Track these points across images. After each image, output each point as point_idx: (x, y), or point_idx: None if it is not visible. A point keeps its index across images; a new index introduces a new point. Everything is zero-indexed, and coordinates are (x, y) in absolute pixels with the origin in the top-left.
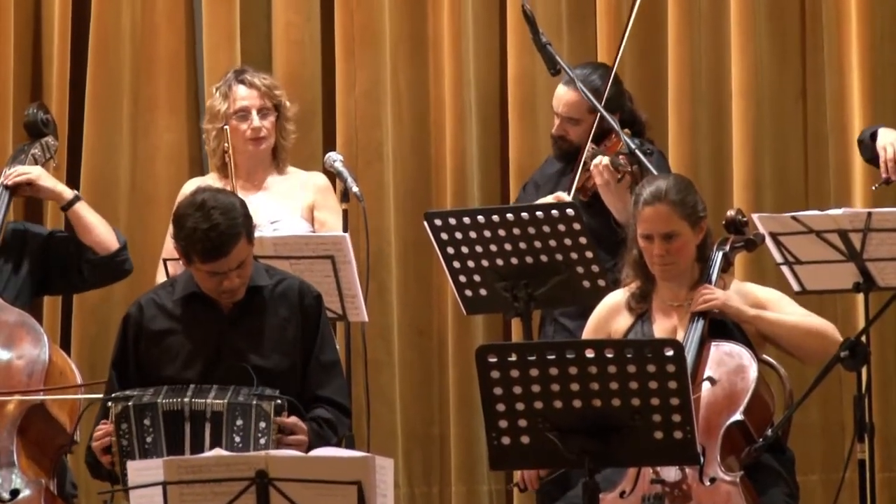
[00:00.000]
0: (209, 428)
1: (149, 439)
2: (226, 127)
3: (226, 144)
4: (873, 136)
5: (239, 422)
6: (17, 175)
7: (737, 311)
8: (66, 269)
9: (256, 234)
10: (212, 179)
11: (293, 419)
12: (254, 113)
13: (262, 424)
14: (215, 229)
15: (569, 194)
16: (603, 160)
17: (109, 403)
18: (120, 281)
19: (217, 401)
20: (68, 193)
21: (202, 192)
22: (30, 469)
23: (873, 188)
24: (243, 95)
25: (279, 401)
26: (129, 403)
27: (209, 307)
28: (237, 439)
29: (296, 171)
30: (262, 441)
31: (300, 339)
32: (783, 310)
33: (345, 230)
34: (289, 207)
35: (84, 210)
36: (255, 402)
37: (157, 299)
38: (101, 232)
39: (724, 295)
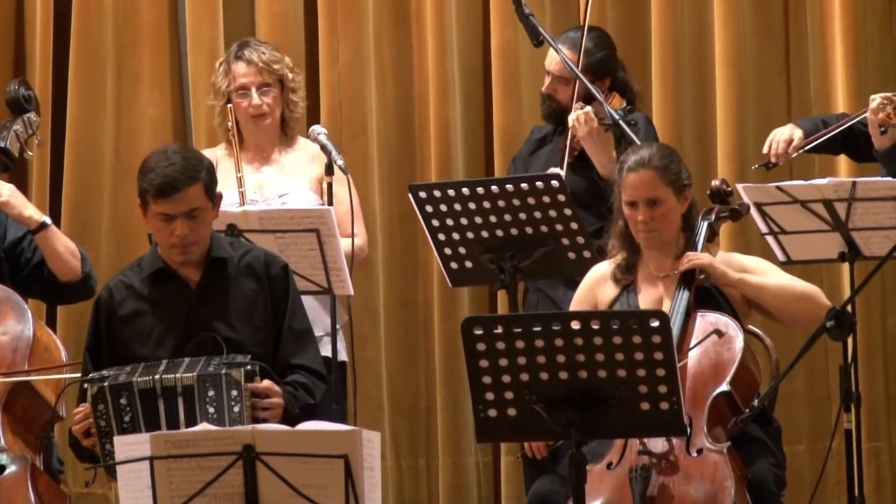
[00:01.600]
0: (182, 402)
1: (126, 418)
2: (228, 104)
3: (229, 122)
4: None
5: (210, 392)
6: None
7: (721, 273)
8: (33, 278)
9: (254, 208)
10: (221, 151)
11: (266, 383)
12: (253, 90)
13: (234, 392)
14: (172, 167)
15: (561, 165)
16: (584, 110)
17: (86, 385)
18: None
19: (187, 374)
20: (37, 218)
21: (171, 145)
22: (15, 445)
23: (753, 167)
24: (242, 72)
25: (249, 367)
26: (105, 384)
27: (176, 283)
28: (211, 410)
29: (305, 142)
30: (236, 409)
31: (270, 310)
32: (768, 276)
33: (329, 203)
34: (297, 180)
35: (51, 237)
36: (224, 372)
37: (126, 280)
38: (65, 262)
39: (709, 257)
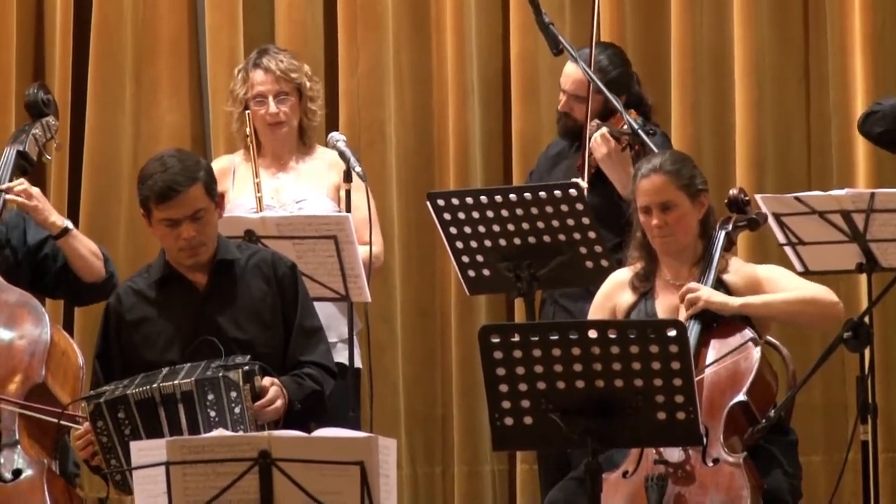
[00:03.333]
0: (183, 408)
1: (127, 431)
2: (246, 111)
3: (247, 129)
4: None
5: (210, 396)
6: (16, 192)
7: (721, 304)
8: (58, 280)
9: (272, 213)
10: (238, 157)
11: (267, 381)
12: (270, 98)
13: (233, 394)
14: (169, 171)
15: (582, 178)
16: (601, 130)
17: (84, 403)
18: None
19: (185, 380)
20: (60, 223)
21: (166, 150)
22: (32, 449)
23: None
24: (260, 80)
25: (247, 367)
26: (101, 401)
27: (184, 286)
28: (212, 414)
29: (323, 150)
30: (237, 411)
31: (279, 310)
32: (781, 285)
33: (347, 210)
34: (315, 187)
35: (75, 241)
36: (221, 374)
37: (134, 286)
38: (89, 263)
39: (707, 292)
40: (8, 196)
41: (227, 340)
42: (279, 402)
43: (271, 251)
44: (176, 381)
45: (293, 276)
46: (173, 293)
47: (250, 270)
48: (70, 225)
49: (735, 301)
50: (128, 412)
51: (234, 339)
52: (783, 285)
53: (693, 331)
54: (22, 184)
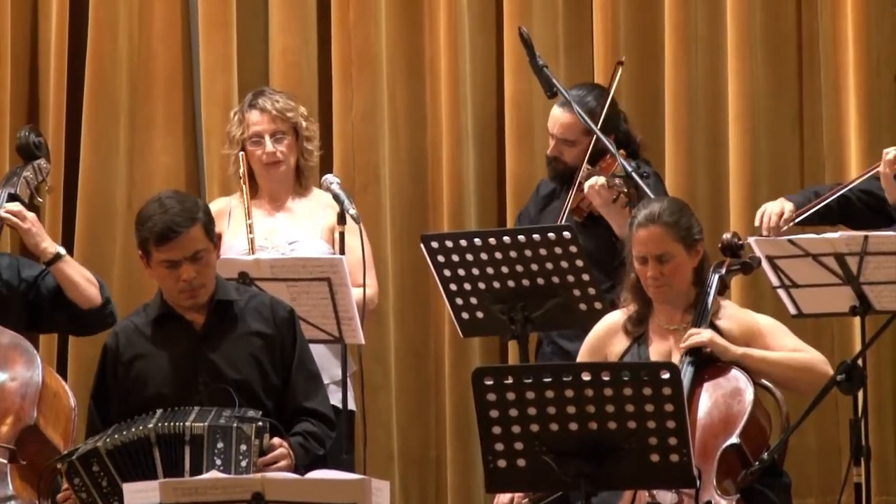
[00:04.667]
0: (189, 450)
1: (104, 483)
2: (241, 153)
3: (241, 170)
4: None
5: (220, 445)
6: (11, 213)
7: (723, 349)
8: (56, 312)
9: (265, 255)
10: (235, 200)
11: (276, 441)
12: (267, 138)
13: (243, 447)
14: (168, 213)
15: (561, 219)
16: (599, 180)
17: (59, 465)
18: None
19: (197, 423)
20: (52, 250)
21: (164, 192)
22: (24, 491)
23: (747, 241)
24: (256, 121)
25: (260, 423)
26: (73, 458)
27: (182, 325)
28: (218, 462)
29: (319, 191)
30: (244, 464)
31: (278, 353)
32: (776, 340)
33: (341, 252)
34: (308, 228)
35: (67, 267)
36: (235, 426)
37: (131, 325)
38: (83, 290)
39: (711, 333)
40: (2, 214)
41: (224, 381)
42: (283, 463)
43: (269, 296)
44: (188, 423)
45: (291, 321)
46: (171, 332)
47: (249, 313)
48: (62, 251)
49: (737, 350)
50: (101, 464)
51: (230, 379)
52: (783, 343)
53: (687, 373)
54: (15, 206)
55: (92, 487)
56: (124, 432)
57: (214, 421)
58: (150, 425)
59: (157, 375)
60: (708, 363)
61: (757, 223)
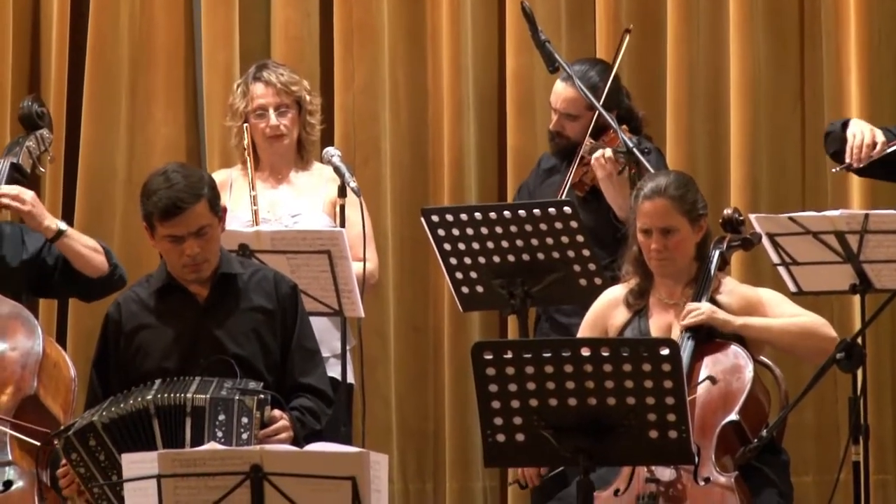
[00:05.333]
0: (190, 422)
1: (102, 458)
2: (245, 125)
3: (245, 142)
4: (844, 126)
5: (221, 416)
6: (12, 197)
7: (723, 321)
8: (64, 281)
9: (267, 228)
10: (236, 171)
11: (277, 413)
12: (271, 111)
13: (245, 420)
14: (174, 188)
15: (561, 193)
16: (606, 152)
17: (55, 442)
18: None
19: (199, 395)
20: (54, 227)
21: (170, 164)
22: (23, 460)
23: (833, 171)
24: (260, 93)
25: (262, 395)
26: (70, 433)
27: (185, 297)
28: (219, 434)
29: (321, 165)
30: (245, 436)
31: (279, 328)
32: (776, 308)
33: (341, 225)
34: (311, 202)
35: (72, 242)
36: (237, 398)
37: (134, 295)
38: (90, 260)
39: (709, 308)
40: (1, 200)
41: (225, 354)
42: (284, 436)
43: (273, 270)
44: (188, 394)
45: (294, 297)
46: (173, 303)
47: (252, 287)
48: (64, 226)
49: (737, 321)
50: (98, 438)
51: (231, 353)
52: (782, 311)
53: (686, 347)
54: (14, 188)
55: (90, 462)
56: (121, 405)
57: (216, 393)
58: (150, 396)
59: (158, 347)
60: (708, 338)
61: (848, 154)
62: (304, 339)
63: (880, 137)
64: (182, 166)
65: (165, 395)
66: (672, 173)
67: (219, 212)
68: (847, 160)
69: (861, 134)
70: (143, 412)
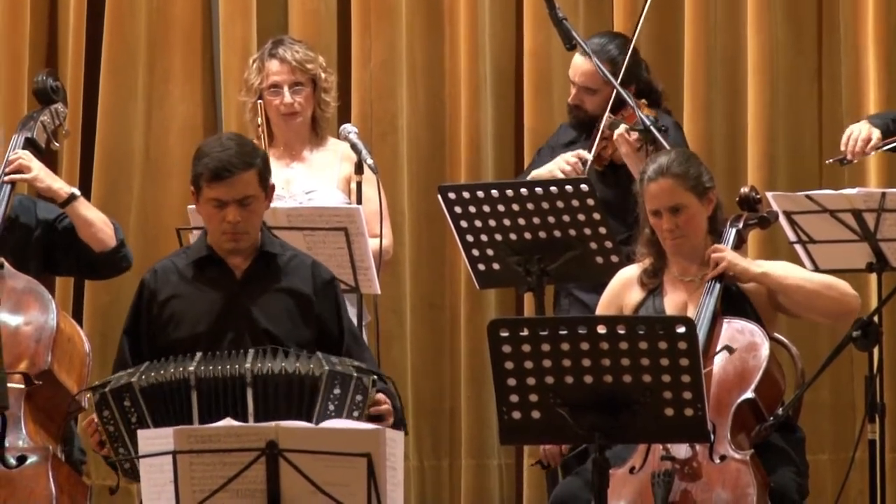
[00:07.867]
0: (251, 394)
1: (133, 419)
2: (259, 101)
3: (259, 119)
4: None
5: (336, 391)
6: (13, 170)
7: (744, 269)
8: (69, 254)
9: (281, 204)
10: None
11: (381, 396)
12: (285, 88)
13: (359, 398)
14: (226, 152)
15: (590, 152)
16: (631, 132)
17: (89, 394)
18: (122, 274)
19: (315, 367)
20: (66, 190)
21: (227, 133)
22: (37, 435)
23: (827, 162)
24: (275, 70)
25: (375, 376)
26: (106, 390)
27: (222, 269)
28: (331, 408)
29: (335, 142)
30: (356, 414)
31: (312, 313)
32: (792, 272)
33: (358, 202)
34: (325, 178)
35: (82, 208)
36: (356, 374)
37: (171, 264)
38: (98, 230)
39: (731, 254)
40: (4, 179)
41: (257, 331)
42: (389, 420)
43: (312, 258)
44: (299, 365)
45: (332, 286)
46: (210, 274)
47: (291, 269)
48: (76, 192)
49: (756, 268)
50: (133, 400)
51: (264, 330)
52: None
53: (710, 302)
54: (18, 156)
55: (120, 422)
56: (161, 371)
57: (332, 366)
58: (192, 368)
59: (190, 316)
60: (728, 310)
61: (843, 147)
62: (353, 328)
63: (876, 135)
64: (239, 136)
65: (214, 366)
66: (672, 151)
67: (267, 188)
68: (842, 150)
69: (858, 130)
70: (182, 382)
